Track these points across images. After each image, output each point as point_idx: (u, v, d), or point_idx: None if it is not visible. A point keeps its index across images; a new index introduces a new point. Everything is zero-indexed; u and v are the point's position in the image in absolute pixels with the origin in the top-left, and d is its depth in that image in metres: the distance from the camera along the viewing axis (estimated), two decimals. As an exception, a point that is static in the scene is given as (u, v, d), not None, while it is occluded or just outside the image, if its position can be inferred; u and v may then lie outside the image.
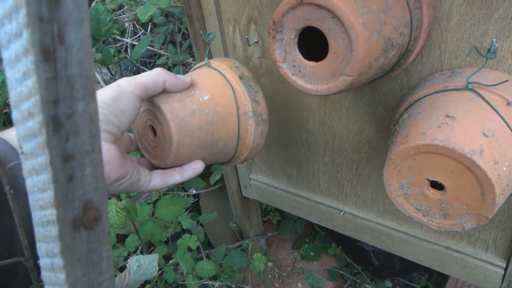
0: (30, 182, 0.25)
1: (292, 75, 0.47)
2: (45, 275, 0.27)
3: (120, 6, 1.19)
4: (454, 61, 0.50)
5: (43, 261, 0.27)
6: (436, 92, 0.47)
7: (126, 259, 0.74)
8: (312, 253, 1.06)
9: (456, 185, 0.41)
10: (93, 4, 0.92)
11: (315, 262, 1.07)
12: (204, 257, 0.84)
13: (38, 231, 0.26)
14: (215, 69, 0.55)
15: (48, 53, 0.21)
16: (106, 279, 0.28)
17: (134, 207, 0.61)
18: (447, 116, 0.43)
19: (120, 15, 1.19)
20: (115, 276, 0.57)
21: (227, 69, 0.54)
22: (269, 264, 1.07)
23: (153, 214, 0.71)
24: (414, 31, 0.46)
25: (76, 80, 0.23)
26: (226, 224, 1.08)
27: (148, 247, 0.80)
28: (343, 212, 0.76)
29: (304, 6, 0.42)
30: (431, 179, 0.43)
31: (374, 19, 0.41)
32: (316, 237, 1.12)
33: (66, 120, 0.23)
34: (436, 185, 0.43)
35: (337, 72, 0.43)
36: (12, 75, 0.22)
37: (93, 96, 0.24)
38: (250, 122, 0.54)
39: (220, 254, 0.82)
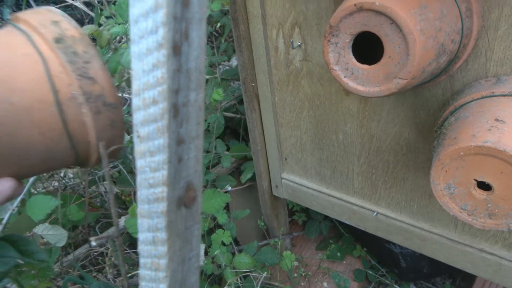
0: (142, 163, 0.28)
1: (345, 77, 0.49)
2: (143, 248, 0.30)
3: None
4: (500, 68, 0.52)
5: (143, 236, 0.30)
6: (483, 97, 0.49)
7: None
8: (338, 254, 1.08)
9: (505, 185, 0.43)
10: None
11: (340, 263, 1.09)
12: (236, 252, 0.87)
13: (143, 208, 0.29)
14: (19, 29, 0.36)
15: (177, 48, 0.24)
16: (195, 255, 0.31)
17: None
18: (497, 120, 0.45)
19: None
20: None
21: (38, 28, 0.36)
22: (295, 263, 1.10)
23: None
24: (464, 39, 0.49)
25: (192, 73, 0.26)
26: (252, 222, 1.10)
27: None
28: (376, 213, 0.78)
29: (363, 12, 0.44)
30: (479, 179, 0.45)
31: (430, 25, 0.43)
32: (341, 238, 1.14)
33: (182, 107, 0.26)
34: (483, 186, 0.45)
35: (391, 75, 0.46)
36: (139, 67, 0.25)
37: (202, 87, 0.27)
38: (84, 110, 0.35)
39: (252, 250, 0.85)
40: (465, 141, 0.44)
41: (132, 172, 0.91)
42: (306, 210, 1.18)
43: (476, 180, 0.45)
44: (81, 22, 1.64)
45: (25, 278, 0.59)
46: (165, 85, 0.24)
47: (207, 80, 1.02)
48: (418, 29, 0.42)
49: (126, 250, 0.84)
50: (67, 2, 1.34)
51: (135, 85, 0.26)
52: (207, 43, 1.25)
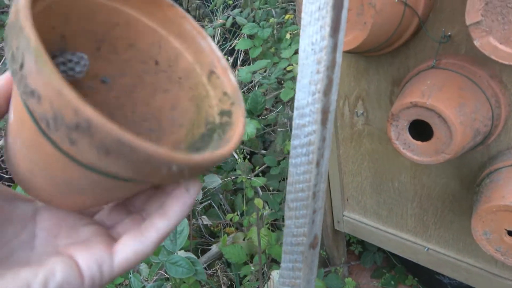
0: (289, 222, 0.47)
1: (403, 149, 0.67)
2: (284, 272, 0.49)
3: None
4: (525, 141, 0.67)
5: (285, 264, 0.49)
6: (511, 166, 0.65)
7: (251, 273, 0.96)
8: (392, 282, 1.22)
9: (528, 235, 0.59)
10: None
11: (393, 291, 1.23)
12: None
13: (287, 247, 0.48)
14: None
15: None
16: (313, 278, 0.50)
17: (270, 234, 0.83)
18: (521, 185, 0.60)
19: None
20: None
21: None
22: (352, 289, 1.25)
23: (278, 239, 0.93)
24: (494, 122, 0.65)
25: (324, 172, 0.45)
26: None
27: (270, 266, 1.01)
28: (427, 248, 0.93)
29: (417, 108, 0.62)
30: (508, 229, 0.60)
31: (467, 118, 0.61)
32: (394, 268, 1.28)
33: (317, 193, 0.45)
34: (512, 234, 0.61)
35: (439, 151, 0.63)
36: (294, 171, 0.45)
37: (326, 180, 0.46)
38: None
39: (320, 276, 1.02)
40: (497, 200, 0.60)
41: (219, 207, 1.11)
42: (361, 242, 1.33)
43: (506, 230, 0.61)
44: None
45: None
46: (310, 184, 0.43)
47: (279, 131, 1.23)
48: (459, 122, 0.60)
49: (226, 271, 1.03)
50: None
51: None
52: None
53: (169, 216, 0.26)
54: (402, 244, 0.98)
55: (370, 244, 1.29)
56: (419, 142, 0.65)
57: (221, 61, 0.31)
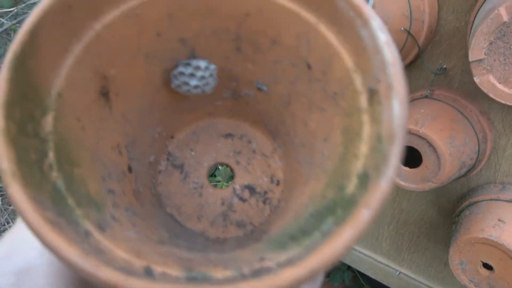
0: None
1: (391, 173, 0.68)
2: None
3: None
4: (505, 178, 0.70)
5: None
6: (491, 199, 0.68)
7: None
8: (358, 302, 1.23)
9: (502, 269, 0.61)
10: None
11: (359, 311, 1.24)
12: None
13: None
14: None
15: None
16: None
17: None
18: (499, 220, 0.63)
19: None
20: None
21: None
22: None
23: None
24: (479, 156, 0.68)
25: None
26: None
27: None
28: (399, 272, 0.94)
29: (410, 135, 0.64)
30: (484, 261, 0.62)
31: (456, 150, 0.63)
32: (361, 289, 1.30)
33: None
34: (487, 266, 0.63)
35: (425, 179, 0.65)
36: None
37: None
38: None
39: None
40: (476, 232, 0.62)
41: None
42: (332, 260, 1.34)
43: (482, 262, 0.63)
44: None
45: None
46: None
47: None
48: (448, 153, 0.61)
49: None
50: None
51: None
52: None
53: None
54: (375, 266, 1.00)
55: (341, 263, 1.31)
56: (407, 168, 0.67)
57: (388, 69, 0.18)
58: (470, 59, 0.51)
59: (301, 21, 0.22)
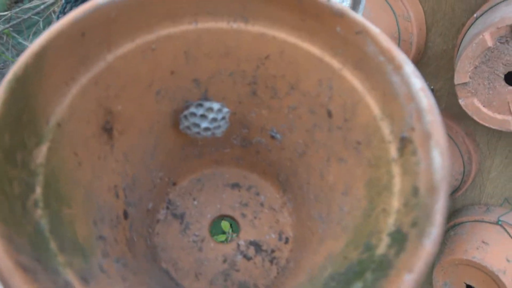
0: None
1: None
2: None
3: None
4: (489, 200, 0.71)
5: None
6: (475, 221, 0.68)
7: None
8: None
9: (485, 291, 0.61)
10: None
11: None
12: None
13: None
14: None
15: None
16: None
17: None
18: (483, 242, 0.63)
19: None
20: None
21: None
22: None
23: None
24: (464, 177, 0.68)
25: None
26: None
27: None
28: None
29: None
30: (467, 283, 0.62)
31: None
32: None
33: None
34: (470, 287, 0.63)
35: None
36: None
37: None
38: None
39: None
40: (459, 254, 0.62)
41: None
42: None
43: (465, 283, 0.63)
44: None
45: None
46: None
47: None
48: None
49: None
50: None
51: None
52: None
53: None
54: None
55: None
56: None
57: (424, 117, 0.17)
58: (456, 82, 0.51)
59: (324, 66, 0.21)
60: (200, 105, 0.23)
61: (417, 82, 0.18)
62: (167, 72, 0.22)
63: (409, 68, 0.18)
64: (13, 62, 0.84)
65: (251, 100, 0.24)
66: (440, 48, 0.70)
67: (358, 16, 0.19)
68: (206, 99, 0.23)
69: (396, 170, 0.18)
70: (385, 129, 0.19)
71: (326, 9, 0.20)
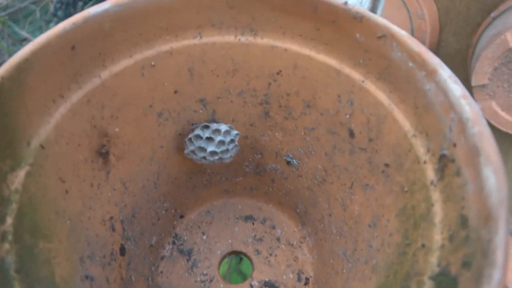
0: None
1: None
2: None
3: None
4: (500, 206, 0.69)
5: None
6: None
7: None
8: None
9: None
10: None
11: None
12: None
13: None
14: None
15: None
16: None
17: None
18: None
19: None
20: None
21: None
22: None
23: None
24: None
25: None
26: None
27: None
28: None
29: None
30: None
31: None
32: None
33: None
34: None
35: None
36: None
37: None
38: None
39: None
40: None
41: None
42: None
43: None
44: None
45: None
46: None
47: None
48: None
49: None
50: None
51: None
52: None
53: None
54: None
55: None
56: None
57: (469, 129, 0.13)
58: (473, 83, 0.49)
59: (343, 79, 0.18)
60: (206, 126, 0.21)
61: (456, 88, 0.15)
62: (170, 91, 0.20)
63: (446, 73, 0.15)
64: (8, 51, 0.81)
65: (263, 121, 0.21)
66: (453, 47, 0.67)
67: (380, 18, 0.17)
68: (214, 121, 0.21)
69: (435, 196, 0.15)
70: (419, 147, 0.16)
71: (343, 14, 0.17)
